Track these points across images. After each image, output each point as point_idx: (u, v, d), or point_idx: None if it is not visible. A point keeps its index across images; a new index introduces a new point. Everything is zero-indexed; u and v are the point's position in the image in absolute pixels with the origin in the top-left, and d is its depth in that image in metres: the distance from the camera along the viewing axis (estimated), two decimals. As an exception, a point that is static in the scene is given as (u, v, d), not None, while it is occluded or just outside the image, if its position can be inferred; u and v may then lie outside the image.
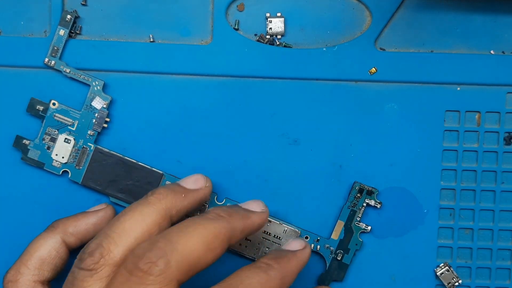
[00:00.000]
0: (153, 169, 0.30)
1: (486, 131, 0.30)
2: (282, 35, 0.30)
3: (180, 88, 0.30)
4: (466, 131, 0.30)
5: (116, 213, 0.28)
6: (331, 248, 0.30)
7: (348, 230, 0.30)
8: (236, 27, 0.30)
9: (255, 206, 0.26)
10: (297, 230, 0.30)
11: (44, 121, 0.29)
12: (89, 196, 0.30)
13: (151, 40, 0.30)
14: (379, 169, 0.30)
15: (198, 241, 0.22)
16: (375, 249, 0.30)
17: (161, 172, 0.30)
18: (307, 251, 0.26)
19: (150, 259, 0.21)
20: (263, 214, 0.26)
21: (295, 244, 0.26)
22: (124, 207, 0.30)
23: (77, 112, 0.30)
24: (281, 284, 0.23)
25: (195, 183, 0.27)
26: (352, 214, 0.30)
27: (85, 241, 0.27)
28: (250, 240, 0.30)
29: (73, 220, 0.27)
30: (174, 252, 0.21)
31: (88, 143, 0.30)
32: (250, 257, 0.30)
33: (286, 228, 0.30)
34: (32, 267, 0.26)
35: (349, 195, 0.30)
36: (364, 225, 0.30)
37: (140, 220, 0.23)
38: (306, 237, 0.30)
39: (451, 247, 0.30)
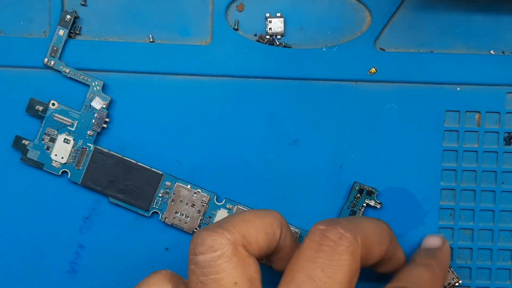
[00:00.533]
0: (153, 169, 0.30)
1: (486, 131, 0.30)
2: (281, 35, 0.30)
3: (180, 88, 0.30)
4: (466, 131, 0.30)
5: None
6: (331, 248, 0.30)
7: (348, 230, 0.30)
8: (236, 27, 0.30)
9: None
10: (297, 231, 0.30)
11: (44, 121, 0.29)
12: (88, 197, 0.30)
13: (151, 40, 0.30)
14: (379, 169, 0.30)
15: (373, 229, 0.23)
16: (375, 249, 0.30)
17: (160, 172, 0.30)
18: (448, 244, 0.28)
19: (339, 230, 0.21)
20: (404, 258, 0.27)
21: (435, 240, 0.28)
22: (124, 207, 0.30)
23: (77, 112, 0.30)
24: (443, 279, 0.26)
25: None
26: (352, 214, 0.30)
27: None
28: (250, 241, 0.29)
29: None
30: (356, 229, 0.22)
31: (88, 144, 0.30)
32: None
33: (286, 229, 0.30)
34: None
35: (349, 195, 0.30)
36: (364, 225, 0.30)
37: None
38: (306, 238, 0.30)
39: (451, 247, 0.30)
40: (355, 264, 0.21)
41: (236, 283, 0.21)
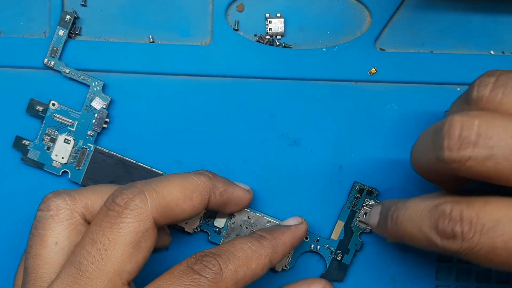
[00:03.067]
0: (153, 169, 0.30)
1: (486, 131, 0.30)
2: (281, 36, 0.30)
3: (180, 89, 0.30)
4: (466, 131, 0.30)
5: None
6: (331, 248, 0.30)
7: (348, 230, 0.30)
8: (236, 28, 0.30)
9: (242, 185, 0.29)
10: (297, 231, 0.30)
11: (44, 121, 0.29)
12: (89, 197, 0.30)
13: (151, 40, 0.30)
14: (379, 170, 0.30)
15: (176, 188, 0.24)
16: (375, 249, 0.30)
17: (160, 172, 0.30)
18: (302, 227, 0.28)
19: (127, 195, 0.23)
20: (247, 192, 0.28)
21: (291, 220, 0.28)
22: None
23: (77, 112, 0.30)
24: (272, 253, 0.25)
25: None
26: (352, 214, 0.30)
27: None
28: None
29: None
30: (151, 192, 0.23)
31: (88, 144, 0.30)
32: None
33: (286, 229, 0.30)
34: None
35: (349, 195, 0.30)
36: (364, 225, 0.30)
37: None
38: (306, 237, 0.30)
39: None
40: (142, 225, 0.23)
41: (56, 243, 0.24)
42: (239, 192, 0.28)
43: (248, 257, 0.24)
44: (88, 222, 0.25)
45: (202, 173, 0.26)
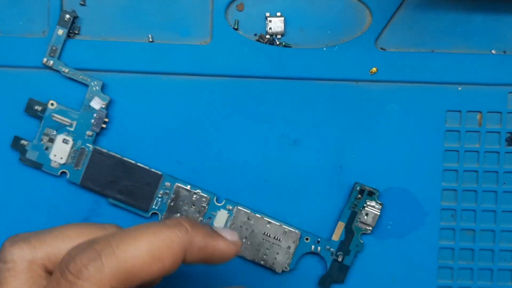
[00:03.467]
0: (152, 170, 0.29)
1: (487, 131, 0.30)
2: (282, 35, 0.30)
3: (180, 88, 0.30)
4: (468, 131, 0.30)
5: None
6: (332, 249, 0.30)
7: (349, 231, 0.30)
8: (236, 27, 0.30)
9: (228, 234, 0.23)
10: (297, 231, 0.29)
11: (42, 121, 0.29)
12: (87, 197, 0.30)
13: (150, 40, 0.30)
14: (380, 170, 0.30)
15: (142, 248, 0.20)
16: (376, 250, 0.30)
17: (160, 173, 0.29)
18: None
19: (82, 261, 0.19)
20: (232, 245, 0.23)
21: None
22: (123, 208, 0.29)
23: (76, 112, 0.29)
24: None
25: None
26: (353, 215, 0.30)
27: None
28: (249, 242, 0.29)
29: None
30: (110, 256, 0.19)
31: (87, 144, 0.29)
32: (250, 259, 0.29)
33: (286, 229, 0.29)
34: None
35: (349, 196, 0.30)
36: (365, 226, 0.30)
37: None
38: (307, 238, 0.29)
39: (452, 248, 0.30)
40: None
41: None
42: (222, 246, 0.22)
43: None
44: (50, 274, 0.21)
45: (179, 223, 0.21)
